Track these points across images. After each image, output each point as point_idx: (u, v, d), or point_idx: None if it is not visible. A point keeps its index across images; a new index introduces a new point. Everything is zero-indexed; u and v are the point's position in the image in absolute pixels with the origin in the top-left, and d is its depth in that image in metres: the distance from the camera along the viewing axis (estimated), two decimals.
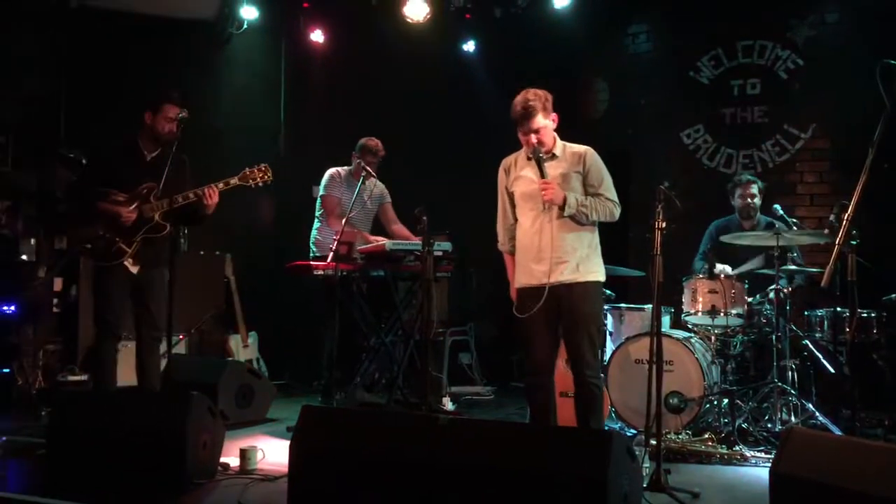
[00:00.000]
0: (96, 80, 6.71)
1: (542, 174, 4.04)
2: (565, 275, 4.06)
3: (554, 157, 4.16)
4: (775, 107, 6.78)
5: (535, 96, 4.08)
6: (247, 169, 4.77)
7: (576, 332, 4.08)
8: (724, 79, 6.95)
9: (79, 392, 5.62)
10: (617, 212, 4.15)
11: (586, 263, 4.10)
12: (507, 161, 4.31)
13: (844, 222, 3.47)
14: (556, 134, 4.20)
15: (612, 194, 4.15)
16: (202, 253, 6.90)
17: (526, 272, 4.16)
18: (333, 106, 7.66)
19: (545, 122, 4.09)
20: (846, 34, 6.44)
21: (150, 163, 4.77)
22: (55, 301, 6.60)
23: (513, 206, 4.27)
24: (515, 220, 4.27)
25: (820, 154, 6.64)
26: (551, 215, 4.08)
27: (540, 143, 4.09)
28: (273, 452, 4.46)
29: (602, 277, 4.20)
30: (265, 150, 7.34)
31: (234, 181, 4.73)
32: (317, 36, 7.69)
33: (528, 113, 4.05)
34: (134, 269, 4.70)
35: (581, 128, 7.10)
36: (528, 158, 4.15)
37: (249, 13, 7.28)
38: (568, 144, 4.22)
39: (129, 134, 4.85)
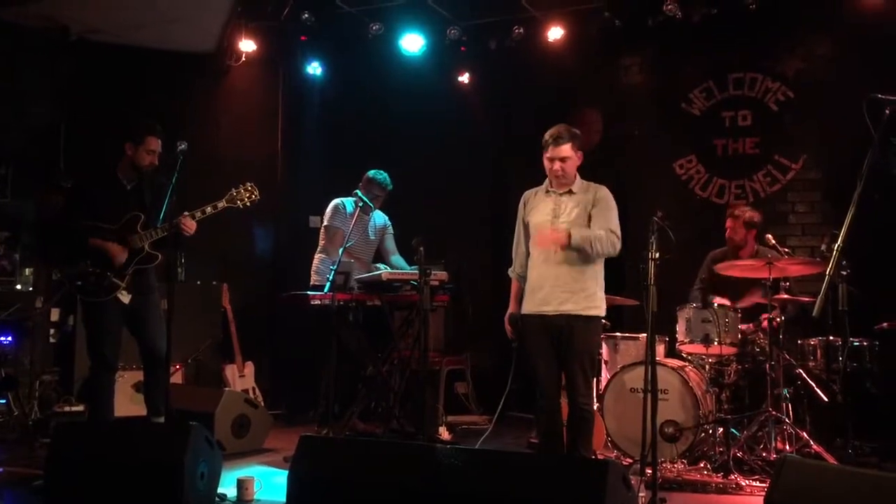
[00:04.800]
0: (96, 112, 6.77)
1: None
2: (566, 307, 4.21)
3: (571, 193, 4.34)
4: (766, 138, 6.86)
5: (567, 129, 4.31)
6: (233, 190, 4.83)
7: (572, 363, 4.22)
8: (716, 110, 7.04)
9: (77, 422, 5.61)
10: (618, 246, 4.28)
11: (588, 298, 4.23)
12: (528, 193, 4.51)
13: (835, 252, 3.52)
14: (578, 174, 4.38)
15: (616, 229, 4.29)
16: (199, 283, 6.93)
17: (530, 300, 4.33)
18: (330, 137, 7.73)
19: (572, 154, 4.28)
20: (835, 66, 6.54)
21: (130, 192, 4.78)
22: (52, 331, 6.62)
23: (527, 236, 4.44)
24: (528, 249, 4.42)
25: (811, 184, 6.71)
26: (557, 247, 4.23)
27: (563, 172, 4.27)
28: (270, 482, 4.47)
29: (601, 313, 4.33)
30: (262, 180, 7.38)
31: (221, 204, 4.79)
32: (314, 68, 7.80)
33: (557, 139, 4.26)
34: (126, 299, 4.70)
35: None
36: (547, 192, 4.37)
37: (248, 46, 7.37)
38: (586, 182, 4.41)
39: (107, 165, 4.82)
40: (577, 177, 4.38)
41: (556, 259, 4.24)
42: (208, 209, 4.74)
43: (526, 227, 4.45)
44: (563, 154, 4.26)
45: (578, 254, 4.23)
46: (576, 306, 4.20)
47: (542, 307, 4.24)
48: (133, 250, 4.68)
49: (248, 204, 4.85)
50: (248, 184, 4.86)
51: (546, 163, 4.32)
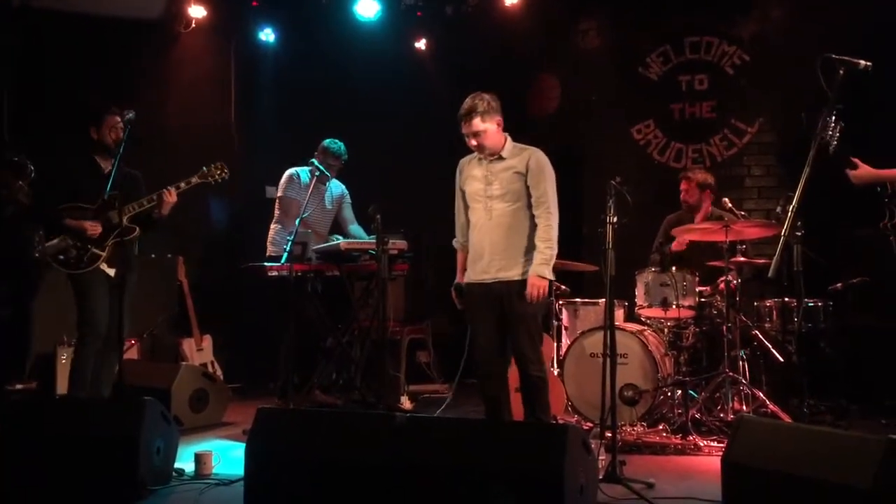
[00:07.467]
0: (40, 81, 6.57)
1: None
2: (504, 272, 4.18)
3: (501, 158, 4.24)
4: (723, 102, 6.90)
5: (477, 99, 4.17)
6: (204, 167, 4.99)
7: (516, 330, 4.20)
8: (673, 75, 7.05)
9: (30, 399, 5.50)
10: (554, 218, 4.19)
11: (526, 263, 4.18)
12: (463, 161, 4.43)
13: (790, 214, 3.54)
14: (507, 135, 4.28)
15: (549, 201, 4.18)
16: (154, 256, 6.79)
17: (471, 269, 4.31)
18: (285, 105, 7.59)
19: (485, 126, 4.15)
20: (790, 29, 6.57)
21: (107, 175, 4.80)
22: None
23: (466, 204, 4.37)
24: (467, 218, 4.36)
25: (767, 148, 6.78)
26: (491, 214, 4.20)
27: (479, 146, 4.19)
28: (229, 456, 4.43)
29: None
30: (216, 150, 7.24)
31: (194, 179, 4.95)
32: (267, 35, 7.62)
33: (466, 116, 4.16)
34: (110, 272, 4.77)
35: (533, 124, 7.16)
36: (479, 160, 4.28)
37: (197, 12, 7.17)
38: (518, 145, 4.29)
39: (84, 150, 4.92)
40: (507, 140, 4.27)
41: (491, 226, 4.20)
42: (182, 184, 4.87)
43: (464, 195, 4.38)
44: (474, 129, 4.15)
45: (512, 220, 4.18)
46: (514, 272, 4.16)
47: (482, 276, 4.23)
48: (112, 224, 4.73)
49: (218, 181, 5.02)
50: (220, 162, 5.02)
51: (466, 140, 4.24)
